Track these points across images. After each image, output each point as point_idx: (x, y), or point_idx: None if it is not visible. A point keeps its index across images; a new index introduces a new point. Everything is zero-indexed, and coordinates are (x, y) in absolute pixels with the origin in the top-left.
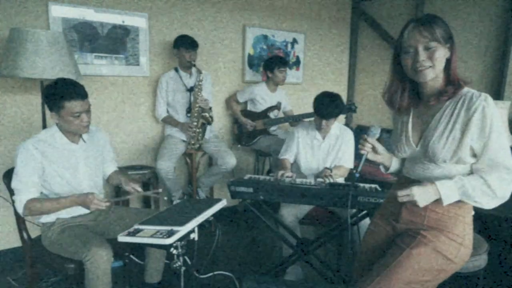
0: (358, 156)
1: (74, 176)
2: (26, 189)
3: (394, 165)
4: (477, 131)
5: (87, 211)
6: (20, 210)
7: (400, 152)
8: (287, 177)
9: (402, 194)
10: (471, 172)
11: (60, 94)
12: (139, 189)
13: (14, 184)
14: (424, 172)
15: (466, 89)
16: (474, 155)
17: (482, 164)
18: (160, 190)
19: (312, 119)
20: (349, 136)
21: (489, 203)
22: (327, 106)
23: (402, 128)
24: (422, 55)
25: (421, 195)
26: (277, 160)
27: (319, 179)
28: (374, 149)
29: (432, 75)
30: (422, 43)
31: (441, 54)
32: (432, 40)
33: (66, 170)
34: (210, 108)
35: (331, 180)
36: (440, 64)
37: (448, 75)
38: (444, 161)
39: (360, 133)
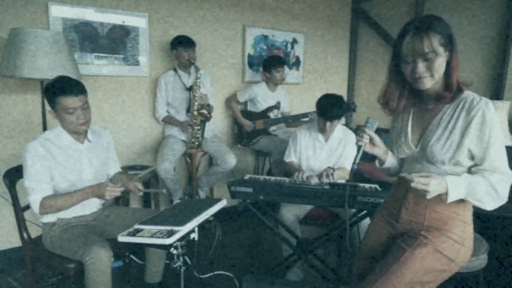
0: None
1: (79, 177)
2: (40, 188)
3: (390, 160)
4: (476, 135)
5: (88, 211)
6: (36, 210)
7: (399, 152)
8: (308, 177)
9: (420, 182)
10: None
11: (54, 90)
12: (140, 186)
13: (27, 184)
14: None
15: (467, 92)
16: (472, 158)
17: (481, 169)
18: (164, 190)
19: (307, 118)
20: (352, 138)
21: (491, 204)
22: (331, 108)
23: (401, 128)
24: (420, 66)
25: (435, 187)
26: (282, 162)
27: (321, 179)
28: (371, 141)
29: (431, 83)
30: (420, 55)
31: (440, 62)
32: (430, 51)
33: (71, 171)
34: (209, 105)
35: (331, 179)
36: (440, 72)
37: (446, 79)
38: (443, 163)
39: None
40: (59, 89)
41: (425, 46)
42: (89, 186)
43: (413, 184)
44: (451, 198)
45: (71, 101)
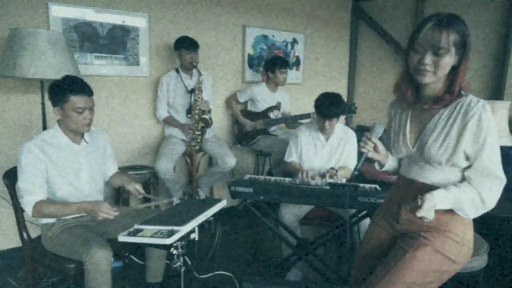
0: (359, 154)
1: (76, 178)
2: (35, 190)
3: (390, 163)
4: (471, 137)
5: None
6: (29, 212)
7: (397, 152)
8: (312, 176)
9: (421, 213)
10: (463, 176)
11: (67, 87)
12: (142, 190)
13: (22, 185)
14: (420, 173)
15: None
16: (468, 159)
17: (473, 172)
18: (174, 199)
19: (308, 120)
20: (352, 137)
21: (474, 213)
22: (328, 106)
23: (400, 128)
24: (428, 59)
25: (427, 207)
26: (283, 162)
27: (324, 179)
28: (375, 148)
29: (432, 79)
30: (432, 47)
31: (447, 62)
32: (444, 46)
33: (69, 171)
34: (210, 111)
35: (337, 181)
36: (443, 71)
37: (450, 83)
38: (440, 163)
39: (360, 133)
40: (72, 88)
41: (442, 39)
42: (86, 202)
43: (416, 214)
44: (436, 207)
45: (83, 101)
